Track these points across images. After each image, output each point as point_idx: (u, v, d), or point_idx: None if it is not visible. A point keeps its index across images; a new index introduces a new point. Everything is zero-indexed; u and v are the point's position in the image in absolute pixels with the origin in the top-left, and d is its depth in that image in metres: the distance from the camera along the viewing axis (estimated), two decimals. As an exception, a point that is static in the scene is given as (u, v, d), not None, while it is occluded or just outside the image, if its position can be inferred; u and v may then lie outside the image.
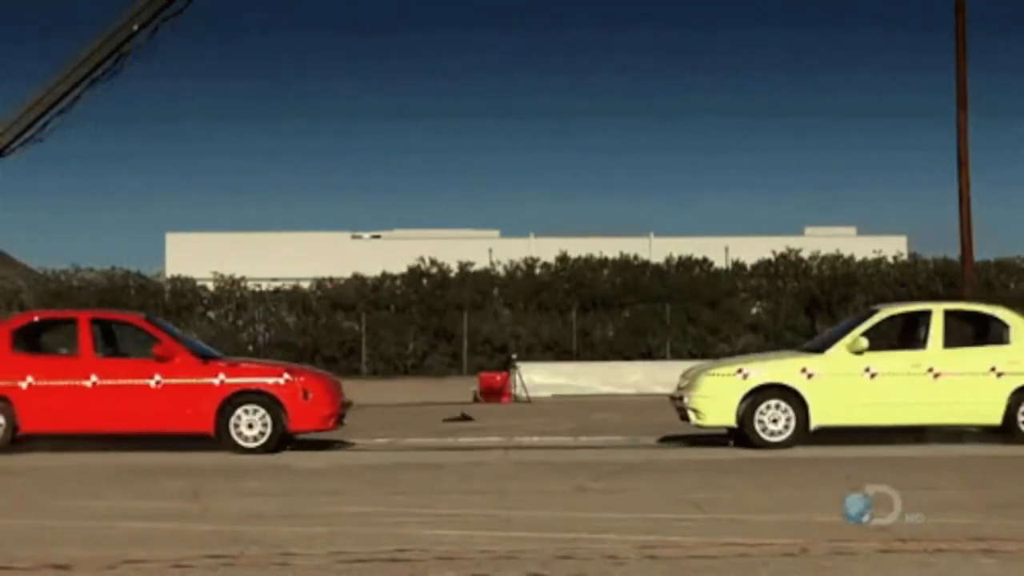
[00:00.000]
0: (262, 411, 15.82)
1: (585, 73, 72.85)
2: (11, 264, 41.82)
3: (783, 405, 15.80)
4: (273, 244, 47.10)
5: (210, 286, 38.12)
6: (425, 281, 38.56)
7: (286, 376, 16.17)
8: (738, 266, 38.19)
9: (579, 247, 39.32)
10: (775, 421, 15.81)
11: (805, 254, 37.32)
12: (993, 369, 16.09)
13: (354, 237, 50.35)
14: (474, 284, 38.47)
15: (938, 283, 33.51)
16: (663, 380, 29.75)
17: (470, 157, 75.85)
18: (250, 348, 37.89)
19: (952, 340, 16.38)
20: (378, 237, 50.23)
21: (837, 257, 36.59)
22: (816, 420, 15.86)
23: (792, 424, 15.79)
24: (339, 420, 16.64)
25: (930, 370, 15.98)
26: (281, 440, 15.98)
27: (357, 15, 72.56)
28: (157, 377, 15.90)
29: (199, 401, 15.85)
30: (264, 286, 38.81)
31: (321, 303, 38.83)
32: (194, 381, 15.91)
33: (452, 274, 38.51)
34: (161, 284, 37.92)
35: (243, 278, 38.16)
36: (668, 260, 38.53)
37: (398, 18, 72.66)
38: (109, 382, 15.97)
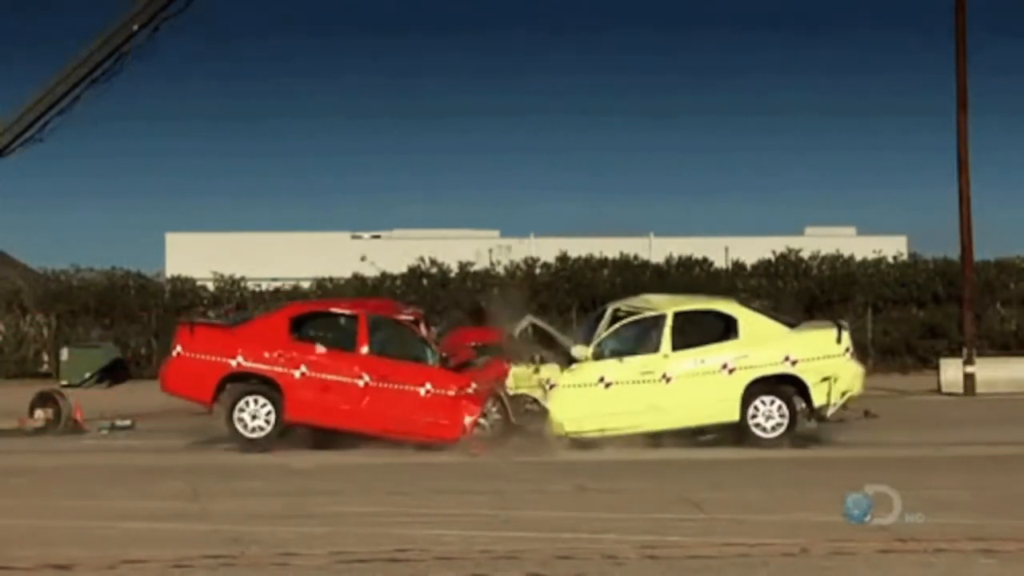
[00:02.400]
0: None
1: (585, 73, 72.66)
2: (11, 264, 41.76)
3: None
4: (273, 244, 47.05)
5: (210, 286, 38.07)
6: (425, 281, 38.53)
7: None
8: (738, 266, 38.12)
9: (579, 247, 39.29)
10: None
11: (805, 254, 37.24)
12: (724, 366, 16.10)
13: (354, 237, 50.35)
14: (474, 284, 38.45)
15: (938, 283, 33.44)
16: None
17: (470, 157, 75.78)
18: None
19: (685, 341, 16.33)
20: (378, 237, 50.23)
21: (837, 257, 36.51)
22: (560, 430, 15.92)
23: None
24: None
25: (663, 375, 16.03)
26: None
27: (357, 15, 72.44)
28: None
29: None
30: (264, 286, 38.77)
31: (321, 303, 38.76)
32: None
33: (452, 274, 38.50)
34: (161, 284, 37.85)
35: (243, 278, 38.12)
36: (668, 260, 38.46)
37: (398, 18, 72.49)
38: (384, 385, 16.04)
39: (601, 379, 16.07)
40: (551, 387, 16.02)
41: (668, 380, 16.07)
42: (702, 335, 16.64)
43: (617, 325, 16.53)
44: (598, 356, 16.19)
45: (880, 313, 33.38)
